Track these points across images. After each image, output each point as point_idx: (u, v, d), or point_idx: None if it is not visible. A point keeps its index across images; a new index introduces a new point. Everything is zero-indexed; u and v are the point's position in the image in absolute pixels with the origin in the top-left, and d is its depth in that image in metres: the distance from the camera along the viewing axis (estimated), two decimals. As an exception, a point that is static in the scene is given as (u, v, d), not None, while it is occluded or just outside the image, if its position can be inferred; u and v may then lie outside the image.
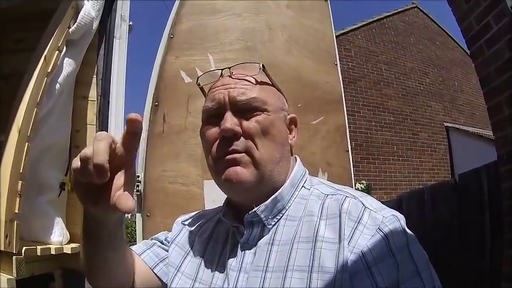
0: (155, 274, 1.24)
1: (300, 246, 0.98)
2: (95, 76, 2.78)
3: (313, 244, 0.96)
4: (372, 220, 0.93)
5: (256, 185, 1.05)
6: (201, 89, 1.25)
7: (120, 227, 1.03)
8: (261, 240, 1.07)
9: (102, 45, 2.84)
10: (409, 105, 13.82)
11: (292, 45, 2.91)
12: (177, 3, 2.90)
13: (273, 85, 1.18)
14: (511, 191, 2.87)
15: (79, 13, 2.52)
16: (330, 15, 3.16)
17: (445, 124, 14.28)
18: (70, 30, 2.45)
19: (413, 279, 0.86)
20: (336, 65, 3.06)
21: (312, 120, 2.78)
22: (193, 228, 1.30)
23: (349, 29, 13.78)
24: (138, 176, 2.56)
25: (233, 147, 1.04)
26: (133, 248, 1.29)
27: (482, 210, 4.15)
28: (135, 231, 2.61)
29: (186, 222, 1.34)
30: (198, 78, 1.24)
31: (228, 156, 1.04)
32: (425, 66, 14.87)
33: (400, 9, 15.65)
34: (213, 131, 1.09)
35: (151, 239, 1.36)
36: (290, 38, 2.95)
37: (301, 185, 1.15)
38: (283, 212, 1.09)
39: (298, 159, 1.23)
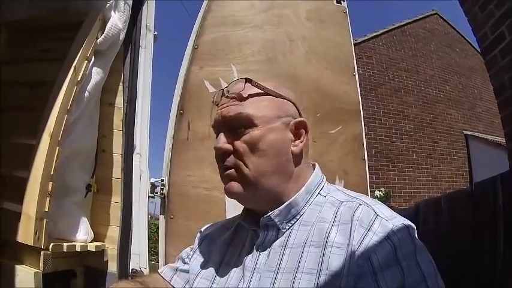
0: None
1: (311, 250, 1.02)
2: (121, 84, 2.86)
3: (323, 248, 1.00)
4: (382, 228, 0.96)
5: (251, 197, 1.14)
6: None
7: None
8: (275, 242, 1.11)
9: (128, 54, 2.91)
10: (429, 113, 13.73)
11: (312, 57, 2.97)
12: (200, 15, 2.99)
13: (267, 94, 1.18)
14: None
15: (106, 24, 2.61)
16: (348, 27, 3.22)
17: (464, 132, 14.14)
18: (98, 41, 2.53)
19: (419, 286, 0.89)
20: (354, 75, 3.10)
21: (331, 130, 2.83)
22: (213, 238, 1.36)
23: (371, 36, 13.79)
24: (163, 180, 2.67)
25: (225, 163, 1.12)
26: (162, 274, 1.39)
27: (496, 219, 4.16)
28: (157, 231, 2.71)
29: (207, 232, 1.41)
30: (214, 97, 1.27)
31: (225, 172, 1.13)
32: (445, 73, 14.77)
33: (420, 16, 15.62)
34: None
35: (177, 258, 1.45)
36: (310, 49, 3.01)
37: (318, 192, 1.17)
38: (297, 217, 1.12)
39: (317, 167, 1.25)
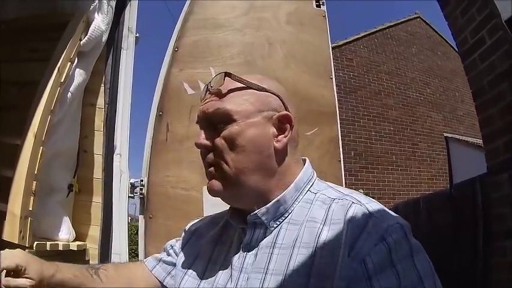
0: (164, 286, 1.33)
1: (301, 252, 0.98)
2: (102, 85, 2.88)
3: (314, 250, 0.96)
4: (376, 228, 0.92)
5: (232, 195, 1.12)
6: None
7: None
8: (263, 242, 1.07)
9: (110, 56, 2.93)
10: (409, 116, 13.87)
11: (290, 60, 3.03)
12: (181, 17, 3.03)
13: (248, 87, 1.13)
14: (499, 201, 2.94)
15: (90, 26, 2.63)
16: (327, 30, 3.28)
17: (445, 134, 14.31)
18: (81, 42, 2.56)
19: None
20: (331, 78, 3.16)
21: (307, 131, 2.87)
22: (201, 233, 1.32)
23: (352, 39, 13.91)
24: (142, 180, 2.71)
25: (206, 160, 1.10)
26: (146, 262, 1.40)
27: (476, 220, 4.23)
28: (137, 233, 2.75)
29: (194, 228, 1.38)
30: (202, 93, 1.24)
31: (207, 170, 1.12)
32: (426, 76, 14.92)
33: (402, 20, 15.74)
34: None
35: (162, 250, 1.44)
36: (288, 53, 3.07)
37: (307, 189, 1.13)
38: (285, 216, 1.08)
39: (308, 162, 1.20)
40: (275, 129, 1.11)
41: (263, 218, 1.07)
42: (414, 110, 14.10)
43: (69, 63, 2.43)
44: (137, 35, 3.11)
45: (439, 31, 16.14)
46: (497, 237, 2.91)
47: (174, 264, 1.33)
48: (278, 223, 1.08)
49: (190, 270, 1.21)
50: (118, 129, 2.84)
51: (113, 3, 2.83)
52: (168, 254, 1.39)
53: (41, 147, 2.14)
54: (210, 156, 1.09)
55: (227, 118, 1.08)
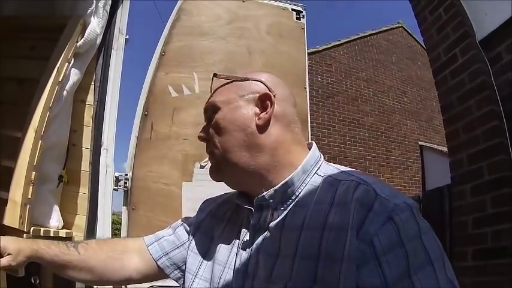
0: (158, 266, 1.34)
1: (308, 234, 0.98)
2: (92, 83, 3.00)
3: (321, 232, 0.96)
4: (384, 208, 0.91)
5: (228, 176, 1.17)
6: None
7: (39, 255, 1.26)
8: (271, 224, 1.08)
9: (101, 56, 3.04)
10: (385, 123, 13.99)
11: (268, 69, 3.04)
12: (169, 23, 3.20)
13: (233, 81, 1.21)
14: (461, 209, 3.05)
15: (86, 29, 2.77)
16: (304, 42, 3.50)
17: (420, 143, 14.43)
18: (78, 44, 2.69)
19: (426, 269, 0.85)
20: (305, 88, 3.37)
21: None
22: (216, 212, 1.36)
23: (332, 44, 13.97)
24: (126, 175, 2.87)
25: (207, 149, 1.20)
26: (145, 237, 1.42)
27: (443, 228, 4.39)
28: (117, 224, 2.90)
29: (210, 208, 1.40)
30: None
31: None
32: (404, 85, 15.03)
33: (385, 28, 15.83)
34: None
35: (169, 227, 1.45)
36: (267, 62, 3.26)
37: (314, 171, 1.13)
38: (293, 198, 1.08)
39: (314, 146, 1.21)
40: (257, 109, 1.15)
41: (270, 201, 1.09)
42: (390, 117, 14.22)
43: (67, 63, 2.56)
44: (127, 36, 3.23)
45: (420, 41, 15.75)
46: (459, 243, 3.02)
47: (176, 245, 1.36)
48: (286, 205, 1.09)
49: (208, 254, 1.26)
50: (106, 125, 2.96)
51: (108, 8, 2.97)
52: (174, 232, 1.41)
53: (40, 141, 2.28)
54: (209, 145, 1.20)
55: (214, 109, 1.18)
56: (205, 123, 1.23)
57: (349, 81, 13.87)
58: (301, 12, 3.61)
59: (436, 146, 14.03)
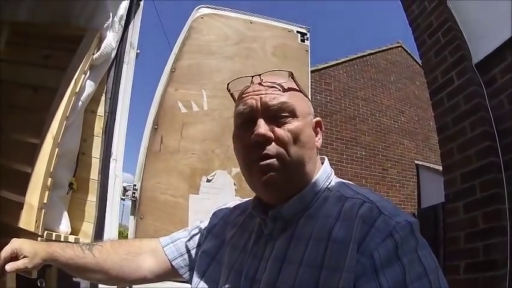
0: (172, 266, 1.39)
1: (315, 244, 1.03)
2: (103, 94, 3.07)
3: (326, 243, 1.01)
4: (385, 225, 0.96)
5: (287, 187, 1.15)
6: (231, 94, 1.33)
7: (53, 259, 1.29)
8: (282, 234, 1.12)
9: (113, 68, 3.12)
10: (382, 142, 14.05)
11: None
12: (179, 41, 3.31)
13: (300, 91, 1.22)
14: (454, 225, 3.14)
15: (102, 42, 2.86)
16: (308, 64, 3.59)
17: (416, 162, 14.45)
18: (94, 56, 2.78)
19: (421, 280, 0.91)
20: None
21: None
22: (228, 218, 1.40)
23: (332, 63, 14.07)
24: (135, 185, 2.95)
25: (266, 151, 1.10)
26: (161, 239, 1.46)
27: (437, 241, 4.44)
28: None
29: (222, 214, 1.44)
30: (228, 84, 1.31)
31: (263, 162, 1.10)
32: (402, 104, 15.10)
33: (384, 48, 15.92)
34: (246, 135, 1.14)
35: (185, 230, 1.50)
36: (271, 83, 3.35)
37: (325, 186, 1.18)
38: (304, 210, 1.13)
39: (326, 161, 1.26)
40: (313, 131, 1.21)
41: (284, 213, 1.14)
42: (387, 136, 14.27)
43: (83, 75, 2.66)
44: (138, 51, 3.33)
45: (419, 61, 15.66)
46: (452, 257, 3.09)
47: (190, 247, 1.41)
48: (297, 218, 1.13)
49: (217, 256, 1.30)
50: (115, 136, 3.04)
51: (123, 23, 3.08)
52: (189, 235, 1.46)
53: (57, 149, 2.36)
54: (272, 147, 1.11)
55: (293, 113, 1.14)
56: (260, 119, 1.15)
57: (347, 100, 13.95)
58: (306, 34, 3.70)
59: (432, 165, 14.05)
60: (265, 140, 1.11)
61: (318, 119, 1.25)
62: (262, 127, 1.11)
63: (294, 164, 1.12)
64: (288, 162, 1.11)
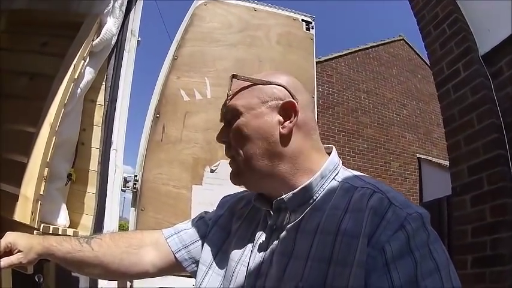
0: (176, 258, 1.33)
1: (322, 237, 0.99)
2: (103, 83, 3.00)
3: (335, 237, 0.97)
4: (396, 216, 0.93)
5: (250, 182, 1.18)
6: None
7: (49, 254, 1.26)
8: (287, 226, 1.09)
9: (113, 56, 3.05)
10: (384, 135, 14.03)
11: None
12: (182, 28, 3.25)
13: (254, 84, 1.18)
14: (461, 219, 3.10)
15: (102, 28, 2.79)
16: (313, 53, 3.55)
17: (418, 155, 14.43)
18: (94, 43, 2.71)
19: (433, 276, 0.88)
20: (313, 97, 3.41)
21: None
22: (234, 208, 1.36)
23: (334, 55, 14.02)
24: (136, 176, 2.89)
25: (228, 153, 1.19)
26: (163, 230, 1.40)
27: (441, 235, 4.43)
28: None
29: (228, 205, 1.40)
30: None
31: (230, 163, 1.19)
32: (404, 97, 15.06)
33: (386, 41, 15.86)
34: None
35: (189, 221, 1.45)
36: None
37: (332, 177, 1.13)
38: (310, 202, 1.09)
39: (334, 151, 1.21)
40: (281, 117, 1.13)
41: (288, 204, 1.10)
42: (389, 129, 14.26)
43: (82, 61, 2.58)
44: (139, 38, 3.24)
45: (421, 54, 16.11)
46: (459, 251, 3.05)
47: (195, 239, 1.36)
48: (303, 208, 1.09)
49: (223, 248, 1.27)
50: (116, 126, 2.95)
51: (124, 9, 3.00)
52: (192, 225, 1.41)
53: (54, 137, 2.27)
54: (228, 151, 1.18)
55: (235, 113, 1.14)
56: (223, 126, 1.22)
57: (349, 93, 13.93)
58: (311, 23, 3.66)
59: (433, 159, 14.08)
60: (222, 143, 1.21)
61: (286, 100, 1.14)
62: (220, 133, 1.21)
63: (245, 160, 1.13)
64: (240, 161, 1.14)
